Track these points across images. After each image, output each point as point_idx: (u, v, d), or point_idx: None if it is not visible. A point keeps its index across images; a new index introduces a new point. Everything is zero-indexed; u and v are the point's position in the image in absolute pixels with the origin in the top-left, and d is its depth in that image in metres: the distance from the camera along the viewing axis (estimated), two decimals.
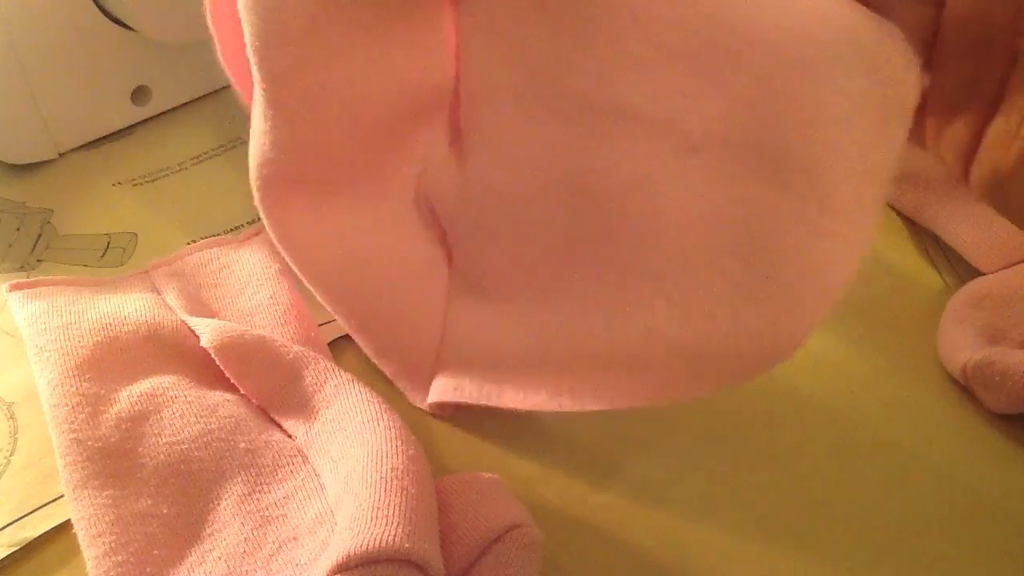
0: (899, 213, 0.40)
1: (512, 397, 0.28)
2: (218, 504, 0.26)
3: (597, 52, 0.23)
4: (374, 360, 0.32)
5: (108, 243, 0.37)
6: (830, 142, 0.22)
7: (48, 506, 0.27)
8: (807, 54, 0.21)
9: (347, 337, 0.33)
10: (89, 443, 0.27)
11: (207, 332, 0.29)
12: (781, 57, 0.21)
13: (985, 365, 0.31)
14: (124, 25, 0.39)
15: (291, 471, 0.27)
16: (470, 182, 0.29)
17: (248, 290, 0.33)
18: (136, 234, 0.37)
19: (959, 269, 0.37)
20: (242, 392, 0.29)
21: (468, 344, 0.31)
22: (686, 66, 0.22)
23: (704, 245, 0.24)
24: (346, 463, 0.25)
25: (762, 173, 0.23)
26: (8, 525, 0.27)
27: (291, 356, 0.29)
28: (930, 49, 0.21)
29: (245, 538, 0.26)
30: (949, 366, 0.33)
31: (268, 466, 0.27)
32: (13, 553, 0.26)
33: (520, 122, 0.26)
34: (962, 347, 0.32)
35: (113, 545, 0.25)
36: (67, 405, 0.28)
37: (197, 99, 0.44)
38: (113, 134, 0.42)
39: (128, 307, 0.31)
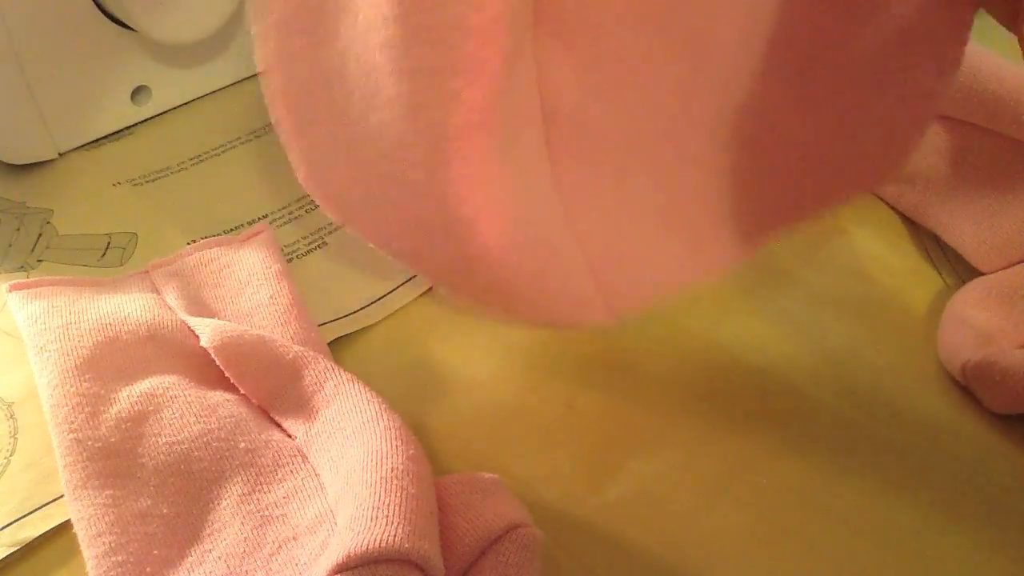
0: (899, 213, 0.40)
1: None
2: (218, 504, 0.26)
3: None
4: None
5: (108, 243, 0.37)
6: None
7: (48, 506, 0.27)
8: None
9: (347, 337, 0.33)
10: (89, 443, 0.27)
11: (207, 332, 0.29)
12: None
13: (986, 365, 0.31)
14: (124, 25, 0.39)
15: (291, 471, 0.27)
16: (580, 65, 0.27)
17: (248, 290, 0.33)
18: (136, 234, 0.37)
19: (959, 269, 0.37)
20: (242, 392, 0.29)
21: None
22: None
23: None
24: (346, 463, 0.25)
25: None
26: (8, 525, 0.27)
27: (291, 356, 0.29)
28: None
29: (245, 538, 0.26)
30: (949, 366, 0.33)
31: (268, 466, 0.27)
32: (13, 553, 0.26)
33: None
34: (962, 347, 0.32)
35: (113, 545, 0.25)
36: (67, 405, 0.28)
37: (197, 99, 0.44)
38: (113, 134, 0.42)
39: (128, 307, 0.31)
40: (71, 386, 0.28)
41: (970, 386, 0.32)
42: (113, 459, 0.27)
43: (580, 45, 0.26)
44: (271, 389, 0.29)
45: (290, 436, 0.28)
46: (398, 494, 0.23)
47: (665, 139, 0.27)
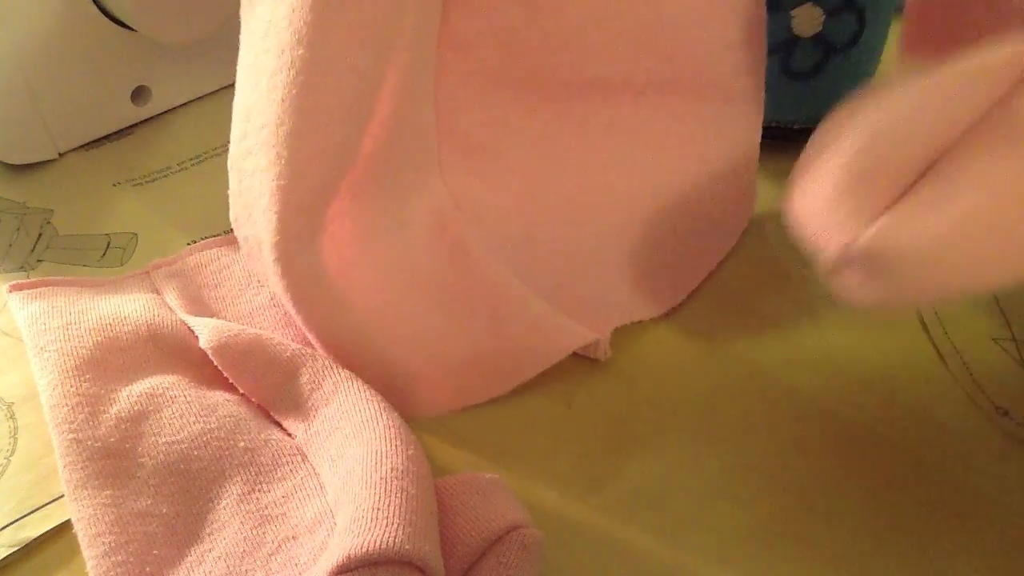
0: None
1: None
2: (218, 503, 0.26)
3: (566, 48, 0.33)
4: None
5: (108, 243, 0.37)
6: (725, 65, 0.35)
7: (48, 506, 0.27)
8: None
9: None
10: (89, 443, 0.27)
11: (205, 333, 0.29)
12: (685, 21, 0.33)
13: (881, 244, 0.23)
14: (124, 25, 0.39)
15: (290, 470, 0.27)
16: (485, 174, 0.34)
17: (249, 292, 0.33)
18: (136, 234, 0.37)
19: None
20: (242, 391, 0.29)
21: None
22: (626, 40, 0.33)
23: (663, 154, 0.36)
24: (345, 462, 0.25)
25: (683, 94, 0.35)
26: (8, 525, 0.27)
27: (288, 354, 0.29)
28: None
29: (244, 537, 0.26)
30: (816, 246, 0.25)
31: (267, 465, 0.27)
32: (13, 553, 0.26)
33: (515, 108, 0.34)
34: (846, 220, 0.24)
35: (113, 545, 0.25)
36: (67, 405, 0.28)
37: (197, 99, 0.44)
38: (113, 134, 0.42)
39: (128, 307, 0.31)
40: (71, 386, 0.28)
41: (842, 275, 0.24)
42: (113, 459, 0.27)
43: (484, 168, 0.34)
44: (269, 388, 0.29)
45: (290, 435, 0.28)
46: (398, 495, 0.23)
47: (554, 239, 0.35)
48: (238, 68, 0.28)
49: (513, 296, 0.32)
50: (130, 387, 0.28)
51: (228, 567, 0.25)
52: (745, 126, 0.37)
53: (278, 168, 0.27)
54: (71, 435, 0.27)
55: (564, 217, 0.35)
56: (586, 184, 0.36)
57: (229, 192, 0.30)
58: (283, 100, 0.26)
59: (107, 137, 0.42)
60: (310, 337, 0.30)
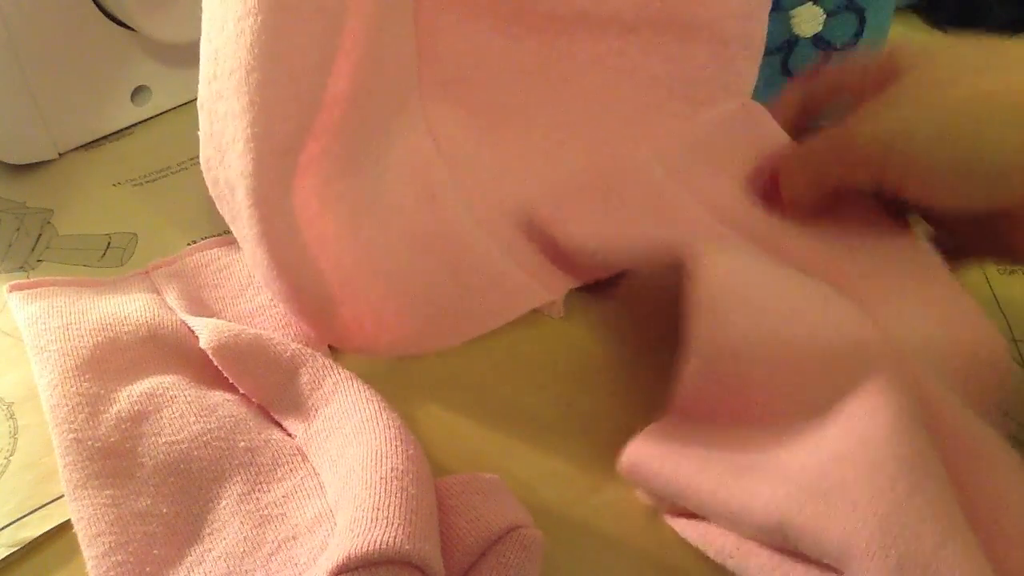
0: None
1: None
2: (218, 503, 0.26)
3: None
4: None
5: (108, 243, 0.37)
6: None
7: (48, 506, 0.27)
8: None
9: None
10: (89, 443, 0.27)
11: (205, 333, 0.29)
12: None
13: None
14: (124, 25, 0.39)
15: (290, 470, 0.27)
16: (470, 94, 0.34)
17: (249, 292, 0.33)
18: (136, 234, 0.37)
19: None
20: (242, 391, 0.29)
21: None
22: None
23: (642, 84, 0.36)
24: (345, 462, 0.25)
25: (676, 34, 0.35)
26: (8, 525, 0.27)
27: (288, 353, 0.29)
28: None
29: (244, 537, 0.26)
30: None
31: (267, 465, 0.27)
32: (13, 553, 0.26)
33: (497, 38, 0.34)
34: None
35: (113, 545, 0.25)
36: (67, 405, 0.28)
37: (197, 99, 0.44)
38: (113, 134, 0.42)
39: (128, 307, 0.31)
40: (71, 386, 0.28)
41: None
42: (113, 459, 0.27)
43: (464, 99, 0.33)
44: (270, 388, 0.29)
45: (290, 435, 0.28)
46: (398, 495, 0.23)
47: (534, 173, 0.35)
48: (203, 5, 0.27)
49: (476, 249, 0.32)
50: (130, 387, 0.28)
51: (228, 567, 0.25)
52: (738, 71, 0.36)
53: (252, 115, 0.26)
54: (71, 435, 0.27)
55: (538, 155, 0.35)
56: (565, 120, 0.35)
57: (200, 133, 0.29)
58: (252, 46, 0.26)
59: (107, 137, 0.42)
60: (281, 285, 0.29)
